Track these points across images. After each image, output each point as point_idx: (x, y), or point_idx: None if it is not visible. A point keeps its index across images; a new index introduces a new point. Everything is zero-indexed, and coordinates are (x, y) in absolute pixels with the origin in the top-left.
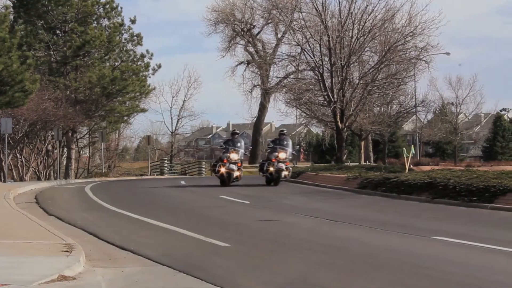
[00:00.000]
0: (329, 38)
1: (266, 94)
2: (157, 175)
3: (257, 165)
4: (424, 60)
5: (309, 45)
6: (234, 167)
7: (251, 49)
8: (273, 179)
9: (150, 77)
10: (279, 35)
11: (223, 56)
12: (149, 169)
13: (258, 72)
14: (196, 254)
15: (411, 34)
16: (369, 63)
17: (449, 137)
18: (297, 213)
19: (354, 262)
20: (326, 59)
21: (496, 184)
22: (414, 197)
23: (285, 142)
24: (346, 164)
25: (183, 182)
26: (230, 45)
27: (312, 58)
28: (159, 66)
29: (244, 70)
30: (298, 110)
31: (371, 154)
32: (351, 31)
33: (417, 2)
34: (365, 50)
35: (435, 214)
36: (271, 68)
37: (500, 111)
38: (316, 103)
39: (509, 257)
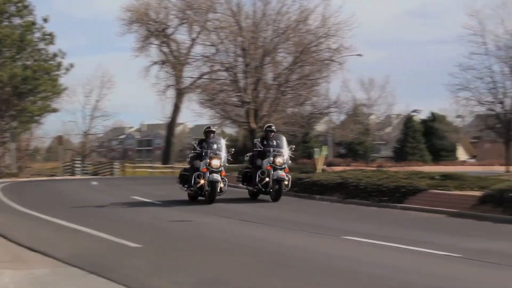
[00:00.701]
0: (243, 39)
1: (180, 95)
2: (68, 175)
3: (173, 165)
4: (337, 62)
5: (223, 45)
6: (218, 177)
7: (166, 49)
8: (268, 193)
9: (62, 77)
10: (194, 36)
11: (137, 56)
12: (60, 170)
13: (172, 72)
14: (108, 255)
15: (324, 35)
16: (283, 64)
17: (361, 138)
18: (210, 213)
19: (268, 262)
20: (241, 59)
21: (406, 184)
22: (326, 197)
23: (276, 142)
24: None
25: (94, 183)
26: (144, 45)
27: (226, 59)
28: (72, 66)
29: (158, 70)
30: (212, 110)
31: None
32: (265, 32)
33: (331, 4)
34: (279, 51)
35: (347, 214)
36: (185, 69)
37: (411, 112)
38: (230, 103)
39: (421, 257)
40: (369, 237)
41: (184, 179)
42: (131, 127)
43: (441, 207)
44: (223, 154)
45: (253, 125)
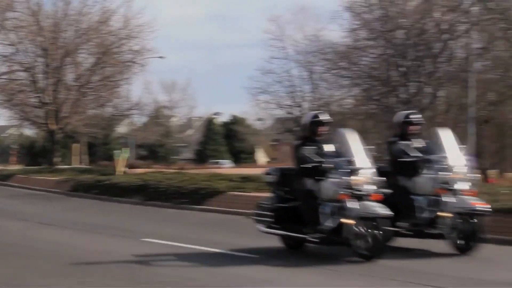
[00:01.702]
0: (43, 38)
1: None
2: None
3: None
4: (139, 63)
5: (23, 45)
6: (382, 208)
7: None
8: (438, 236)
9: None
10: None
11: None
12: None
13: None
14: None
15: (126, 37)
16: (84, 65)
17: (162, 140)
18: (6, 216)
19: (65, 267)
20: (41, 60)
21: (205, 187)
22: (127, 200)
23: (428, 144)
24: (59, 166)
25: None
26: None
27: (25, 59)
28: None
29: None
30: (11, 111)
31: (85, 157)
32: (66, 32)
33: (133, 6)
34: (81, 51)
35: (146, 216)
36: None
37: (212, 114)
38: (29, 104)
39: (215, 258)
40: (168, 239)
41: (280, 215)
42: None
43: (239, 208)
44: (366, 161)
45: (53, 127)
